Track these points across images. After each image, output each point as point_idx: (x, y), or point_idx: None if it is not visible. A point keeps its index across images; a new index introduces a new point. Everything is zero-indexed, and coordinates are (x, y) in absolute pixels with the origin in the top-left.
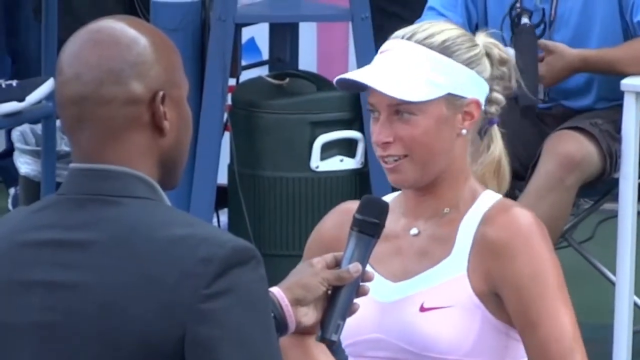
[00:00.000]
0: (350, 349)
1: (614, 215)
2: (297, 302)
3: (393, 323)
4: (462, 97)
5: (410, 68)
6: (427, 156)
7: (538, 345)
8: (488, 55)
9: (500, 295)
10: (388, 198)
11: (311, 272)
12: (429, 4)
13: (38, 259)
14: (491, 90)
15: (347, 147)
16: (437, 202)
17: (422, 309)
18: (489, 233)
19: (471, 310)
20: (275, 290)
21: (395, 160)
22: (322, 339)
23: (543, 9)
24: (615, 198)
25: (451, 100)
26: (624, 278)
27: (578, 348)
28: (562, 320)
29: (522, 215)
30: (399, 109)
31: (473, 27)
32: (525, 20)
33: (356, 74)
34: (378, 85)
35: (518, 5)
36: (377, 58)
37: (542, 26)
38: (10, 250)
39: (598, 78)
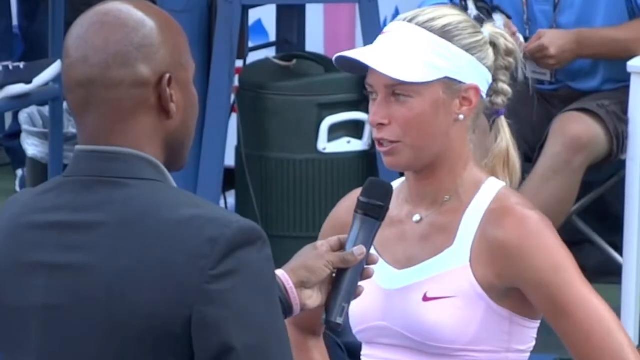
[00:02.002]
0: (360, 335)
1: None
2: (301, 285)
3: (397, 311)
4: (460, 82)
5: (408, 50)
6: (421, 139)
7: (579, 328)
8: (494, 45)
9: (520, 290)
10: (394, 184)
11: (316, 254)
12: None
13: (45, 240)
14: (497, 80)
15: (354, 129)
16: (437, 188)
17: (425, 299)
18: (498, 235)
19: (474, 300)
20: (279, 272)
21: (389, 144)
22: (327, 322)
23: None
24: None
25: (449, 84)
26: (630, 260)
27: (621, 329)
28: (594, 303)
29: (529, 215)
30: (396, 90)
31: None
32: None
33: (354, 53)
34: (376, 65)
35: None
36: (378, 39)
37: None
38: (17, 232)
39: (604, 60)
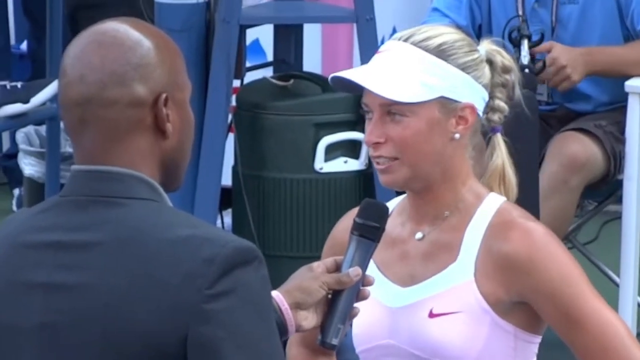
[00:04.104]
0: (364, 355)
1: (618, 217)
2: (297, 306)
3: (403, 329)
4: (456, 101)
5: (403, 69)
6: (417, 158)
7: (594, 341)
8: (490, 62)
9: (527, 304)
10: (394, 202)
11: (311, 275)
12: (433, 4)
13: (41, 260)
14: (493, 97)
15: (351, 149)
16: (437, 206)
17: (431, 315)
18: (504, 249)
19: (480, 315)
20: (274, 294)
21: (386, 161)
22: (323, 343)
23: (542, 33)
24: (619, 200)
25: (444, 103)
26: (627, 279)
27: (635, 341)
28: (608, 315)
29: (534, 228)
30: (391, 109)
31: (477, 29)
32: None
33: (349, 73)
34: (370, 85)
35: (520, 14)
36: (374, 58)
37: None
38: (13, 252)
39: (601, 85)
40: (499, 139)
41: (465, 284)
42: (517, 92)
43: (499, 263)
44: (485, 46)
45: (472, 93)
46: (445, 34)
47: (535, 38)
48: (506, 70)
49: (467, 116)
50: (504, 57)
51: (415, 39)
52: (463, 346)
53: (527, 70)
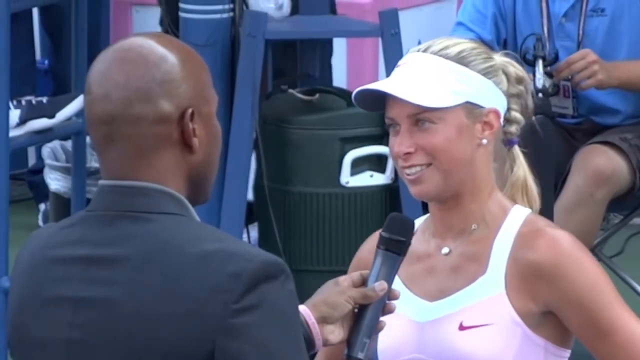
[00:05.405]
0: None
1: None
2: (323, 320)
3: (432, 343)
4: (480, 107)
5: (428, 77)
6: (449, 164)
7: (622, 350)
8: (505, 73)
9: (555, 313)
10: (418, 221)
11: (337, 290)
12: (458, 19)
13: (68, 275)
14: (510, 109)
15: (377, 163)
16: (464, 218)
17: (461, 328)
18: (531, 257)
19: (511, 328)
20: (301, 308)
21: (419, 170)
22: (349, 357)
23: (556, 52)
24: None
25: (470, 109)
26: None
27: None
28: (635, 324)
29: (561, 236)
30: (420, 118)
31: (501, 44)
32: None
33: (375, 86)
34: (400, 93)
35: (545, 30)
36: (395, 72)
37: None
38: (40, 266)
39: (627, 98)
40: (518, 151)
41: (497, 296)
42: (530, 103)
43: (525, 272)
44: (498, 58)
45: (494, 98)
46: (462, 42)
47: (550, 57)
48: (520, 80)
49: (492, 121)
50: (516, 68)
51: (434, 49)
52: (494, 359)
53: (541, 95)
